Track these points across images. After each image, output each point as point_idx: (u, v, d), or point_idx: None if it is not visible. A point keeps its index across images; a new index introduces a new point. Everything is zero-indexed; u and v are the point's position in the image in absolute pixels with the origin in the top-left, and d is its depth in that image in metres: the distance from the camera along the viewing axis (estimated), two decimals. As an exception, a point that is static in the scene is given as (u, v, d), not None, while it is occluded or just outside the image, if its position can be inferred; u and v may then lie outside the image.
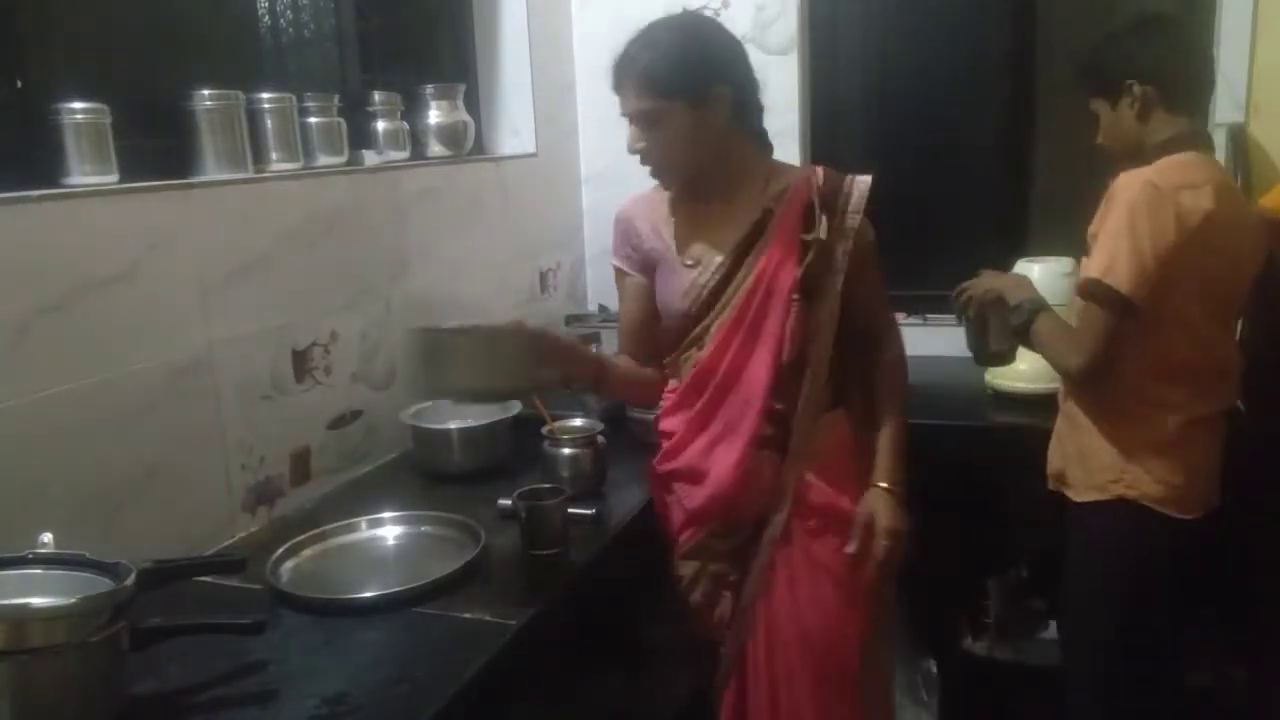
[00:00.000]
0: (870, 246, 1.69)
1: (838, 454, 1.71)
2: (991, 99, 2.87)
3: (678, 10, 2.84)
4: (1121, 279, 1.66)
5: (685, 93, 1.58)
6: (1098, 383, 1.78)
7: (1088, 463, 1.85)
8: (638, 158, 1.65)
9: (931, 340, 2.84)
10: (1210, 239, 1.68)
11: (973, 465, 2.27)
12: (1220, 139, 2.44)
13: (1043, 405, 2.14)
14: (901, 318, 2.88)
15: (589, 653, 1.68)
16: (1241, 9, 2.42)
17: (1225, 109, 2.46)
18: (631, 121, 1.63)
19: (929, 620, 2.65)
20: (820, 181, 1.66)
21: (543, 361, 1.58)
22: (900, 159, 2.99)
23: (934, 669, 2.59)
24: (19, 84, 1.62)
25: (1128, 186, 1.70)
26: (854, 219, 1.65)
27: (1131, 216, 1.67)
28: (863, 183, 1.67)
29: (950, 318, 2.84)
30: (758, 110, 1.71)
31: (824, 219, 1.62)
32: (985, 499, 2.22)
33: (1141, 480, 1.79)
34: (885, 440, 1.72)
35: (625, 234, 1.77)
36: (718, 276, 1.66)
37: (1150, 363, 1.75)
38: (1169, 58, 1.82)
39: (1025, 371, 2.29)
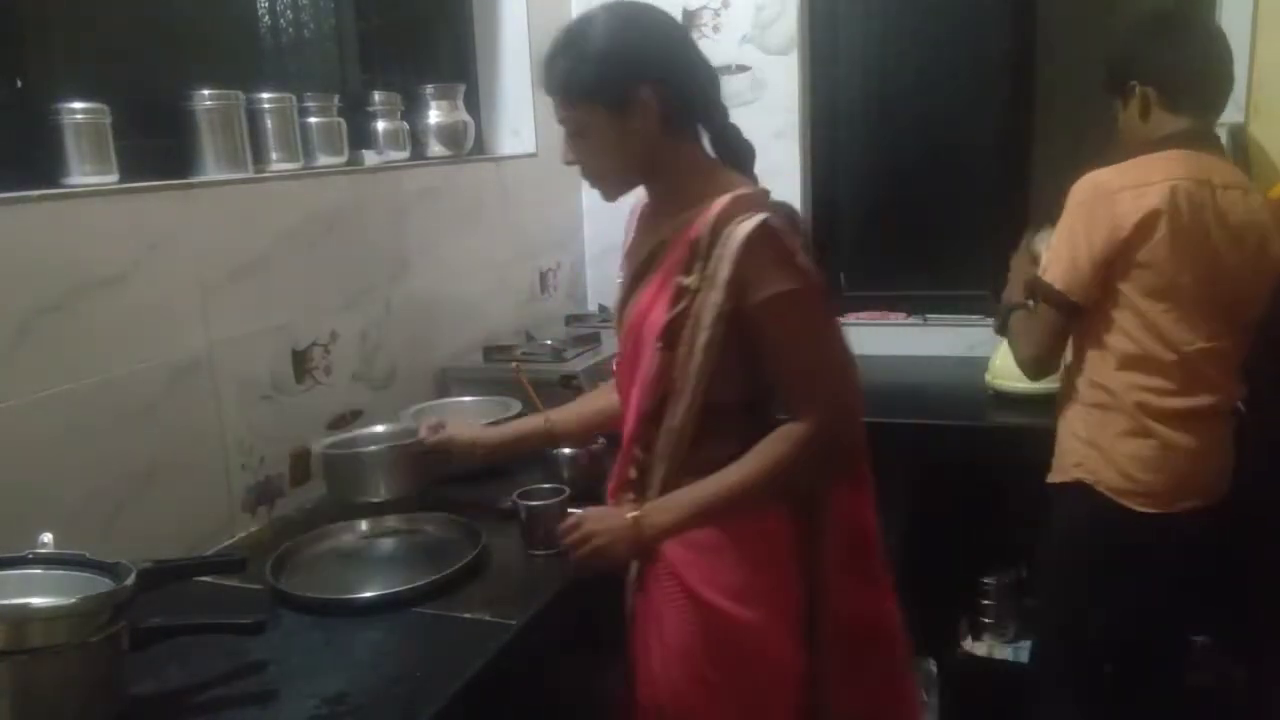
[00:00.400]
0: (770, 305, 1.36)
1: (710, 530, 1.44)
2: (991, 99, 2.86)
3: (676, 11, 2.87)
4: (1056, 275, 1.80)
5: (602, 97, 1.42)
6: (1044, 374, 1.92)
7: (1060, 446, 1.92)
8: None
9: (931, 340, 2.85)
10: (1163, 237, 1.72)
11: (973, 465, 2.27)
12: (1220, 139, 2.44)
13: (1043, 405, 2.14)
14: (901, 318, 2.92)
15: (589, 653, 1.68)
16: (1241, 9, 2.41)
17: (1225, 109, 2.45)
18: (564, 130, 1.50)
19: (929, 620, 2.65)
20: (714, 215, 1.38)
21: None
22: (900, 159, 3.00)
23: (934, 669, 2.60)
24: (19, 84, 1.62)
25: (1080, 187, 1.80)
26: (725, 269, 1.35)
27: (1072, 216, 1.79)
28: (743, 226, 1.35)
29: (951, 318, 2.87)
30: (710, 111, 1.49)
31: (700, 264, 1.38)
32: (985, 499, 2.22)
33: (1100, 468, 1.83)
34: (698, 485, 1.43)
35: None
36: (620, 304, 1.55)
37: (1102, 352, 1.82)
38: (1169, 57, 1.84)
39: (1025, 372, 2.28)
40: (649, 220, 1.55)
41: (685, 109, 1.45)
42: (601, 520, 1.48)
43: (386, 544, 1.74)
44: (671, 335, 1.41)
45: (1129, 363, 1.80)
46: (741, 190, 1.42)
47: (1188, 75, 1.82)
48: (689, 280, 1.39)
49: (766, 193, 1.50)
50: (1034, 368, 1.92)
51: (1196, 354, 1.77)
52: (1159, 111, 1.84)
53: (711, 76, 1.50)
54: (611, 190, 1.53)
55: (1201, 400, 1.80)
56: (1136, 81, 1.84)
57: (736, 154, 1.51)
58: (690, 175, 1.47)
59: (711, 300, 1.37)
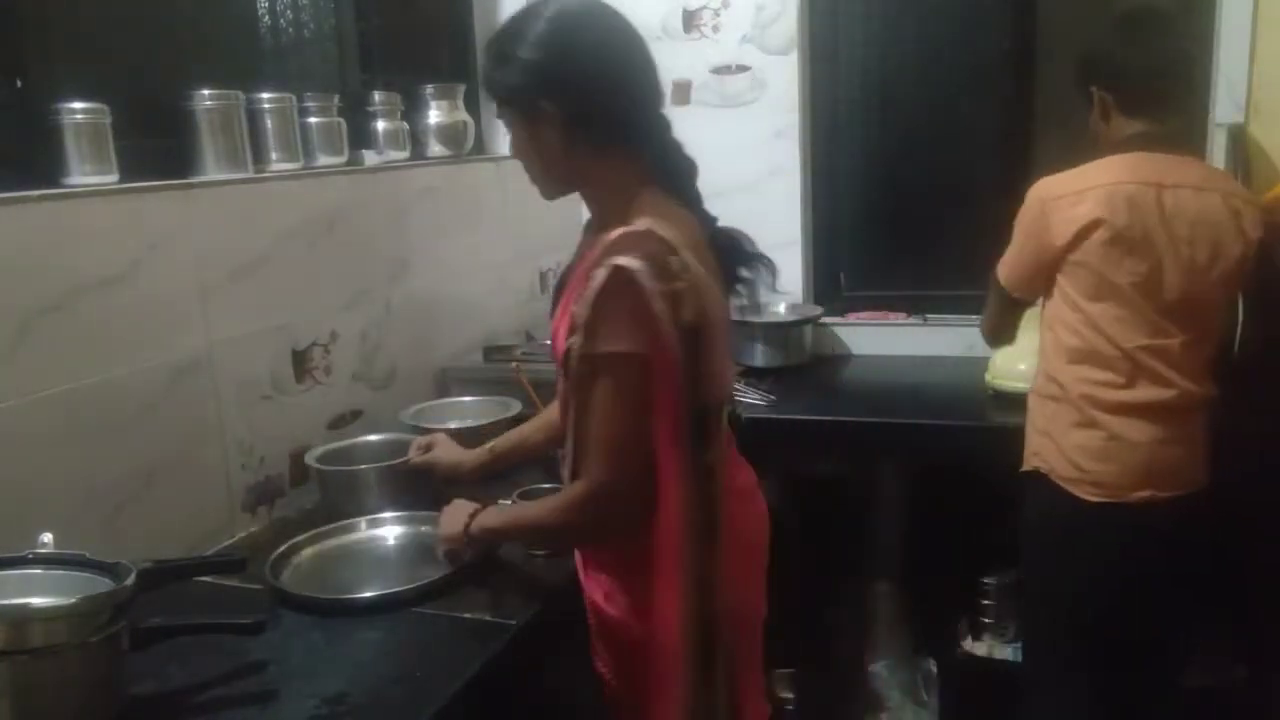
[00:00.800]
0: (599, 360, 1.31)
1: (609, 551, 1.48)
2: (991, 99, 2.86)
3: (676, 11, 2.87)
4: (1003, 272, 1.98)
5: (515, 103, 1.40)
6: (998, 346, 2.17)
7: (1026, 437, 1.98)
8: None
9: (931, 340, 2.85)
10: (1096, 241, 1.78)
11: (973, 465, 2.27)
12: (1220, 139, 2.44)
13: (1043, 405, 2.14)
14: (901, 317, 2.92)
15: (589, 652, 1.68)
16: (1241, 9, 2.41)
17: (1225, 109, 2.45)
18: None
19: (929, 620, 2.65)
20: (603, 248, 1.31)
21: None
22: (900, 159, 2.99)
23: (934, 669, 2.60)
24: (19, 84, 1.62)
25: (1030, 191, 1.90)
26: (584, 311, 1.30)
27: (1019, 218, 1.92)
28: (601, 272, 1.28)
29: (951, 318, 2.86)
30: (643, 128, 1.41)
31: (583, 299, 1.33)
32: (985, 499, 2.22)
33: (1053, 457, 1.89)
34: (521, 507, 1.58)
35: None
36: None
37: (1055, 346, 1.89)
38: (1122, 63, 1.89)
39: (1025, 371, 2.28)
40: (588, 231, 1.51)
41: (602, 126, 1.38)
42: (449, 510, 1.59)
43: (387, 544, 1.74)
44: (567, 363, 1.37)
45: (1077, 357, 1.86)
46: (635, 226, 1.32)
47: (1140, 80, 1.87)
48: (577, 311, 1.34)
49: (709, 221, 1.45)
50: (988, 339, 2.16)
51: (1139, 350, 1.81)
52: (1117, 115, 1.89)
53: (651, 90, 1.42)
54: (544, 191, 1.49)
55: (1150, 393, 1.82)
56: (1095, 87, 1.91)
57: (671, 174, 1.44)
58: (611, 194, 1.41)
59: (577, 339, 1.32)
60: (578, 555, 1.55)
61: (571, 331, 1.34)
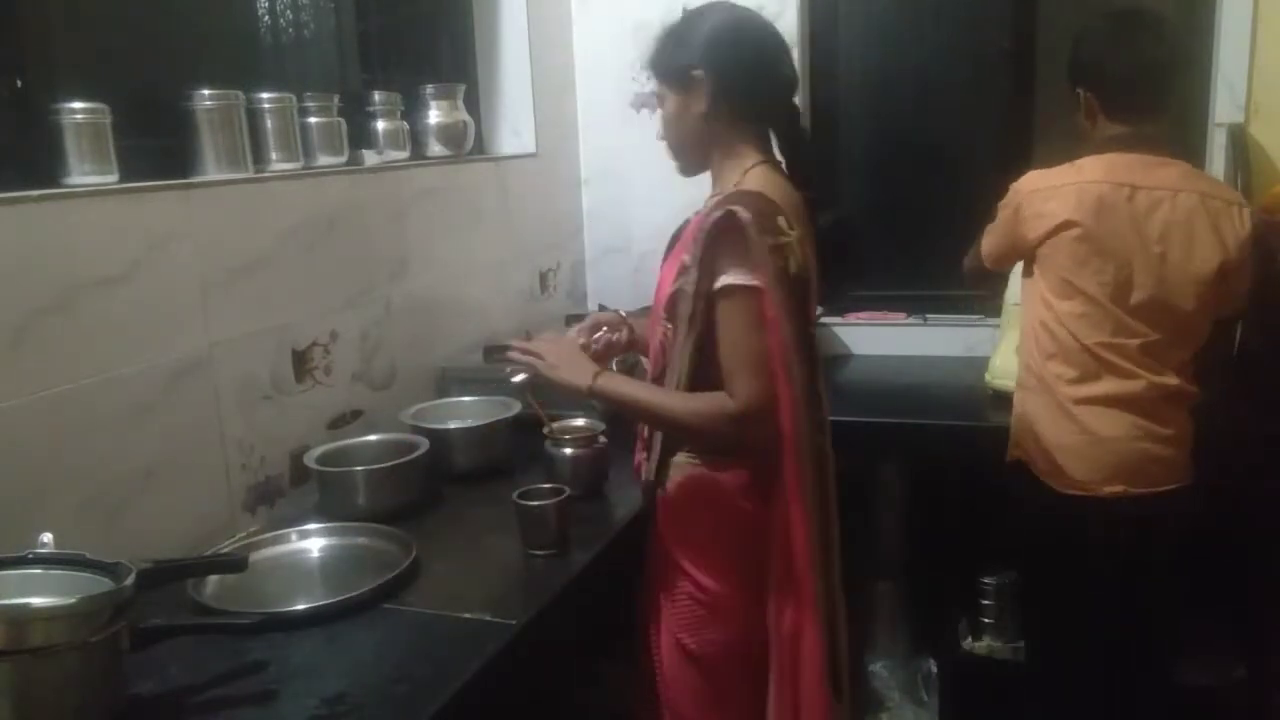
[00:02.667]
0: (720, 293, 1.50)
1: (678, 496, 1.63)
2: (991, 99, 2.87)
3: (678, 9, 2.87)
4: (985, 247, 2.07)
5: (669, 76, 1.62)
6: (973, 285, 2.33)
7: (1011, 429, 2.02)
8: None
9: (931, 340, 2.85)
10: (1062, 239, 1.83)
11: (973, 465, 2.27)
12: (1220, 139, 2.44)
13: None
14: (901, 318, 2.92)
15: (589, 653, 1.69)
16: (1241, 9, 2.42)
17: (1225, 109, 2.46)
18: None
19: (929, 620, 2.65)
20: (717, 199, 1.55)
21: None
22: (900, 159, 3.00)
23: (934, 669, 2.60)
24: (19, 84, 1.62)
25: (1014, 184, 1.96)
26: (699, 250, 1.50)
27: (999, 209, 2.00)
28: (715, 214, 1.49)
29: (951, 318, 2.87)
30: (767, 111, 1.63)
31: (695, 245, 1.53)
32: (985, 499, 2.22)
33: (1031, 447, 1.94)
34: (645, 387, 1.63)
35: None
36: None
37: (1035, 340, 1.93)
38: (1105, 64, 1.91)
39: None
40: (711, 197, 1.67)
41: (742, 101, 1.59)
42: (559, 354, 1.67)
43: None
44: (671, 308, 1.56)
45: (1051, 352, 1.90)
46: (747, 187, 1.53)
47: (1123, 83, 1.88)
48: (688, 257, 1.52)
49: (813, 204, 1.62)
50: (968, 276, 2.24)
51: (1099, 346, 1.84)
52: (1100, 117, 1.92)
53: (782, 82, 1.64)
54: (681, 165, 1.69)
55: (1116, 386, 1.83)
56: (1081, 89, 1.94)
57: (789, 155, 1.66)
58: (734, 161, 1.60)
59: (693, 276, 1.51)
60: (654, 535, 1.65)
61: (680, 275, 1.53)
